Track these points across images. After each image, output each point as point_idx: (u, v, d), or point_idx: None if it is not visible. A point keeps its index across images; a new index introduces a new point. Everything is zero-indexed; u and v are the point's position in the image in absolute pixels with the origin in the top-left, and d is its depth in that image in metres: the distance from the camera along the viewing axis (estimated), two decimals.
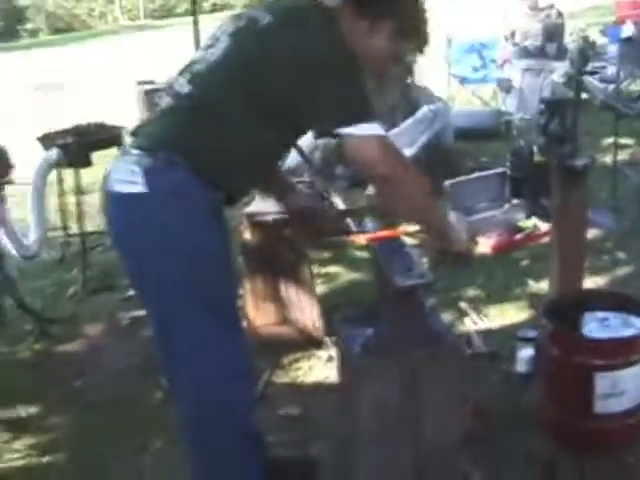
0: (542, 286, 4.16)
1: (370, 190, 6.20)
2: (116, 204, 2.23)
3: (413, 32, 2.39)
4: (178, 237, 2.16)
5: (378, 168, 2.14)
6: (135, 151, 2.20)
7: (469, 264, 2.38)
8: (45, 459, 3.22)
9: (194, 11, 7.30)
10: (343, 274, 4.83)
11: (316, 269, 4.71)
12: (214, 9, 37.27)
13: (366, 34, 2.30)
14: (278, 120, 2.20)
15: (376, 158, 2.12)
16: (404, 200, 2.22)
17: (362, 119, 2.12)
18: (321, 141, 6.40)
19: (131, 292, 4.30)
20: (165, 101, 2.28)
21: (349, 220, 4.03)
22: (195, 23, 6.90)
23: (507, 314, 4.12)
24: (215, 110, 2.19)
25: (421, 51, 2.43)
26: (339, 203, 4.69)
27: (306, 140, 6.15)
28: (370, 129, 2.12)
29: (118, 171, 2.21)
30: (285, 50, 2.14)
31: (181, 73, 2.31)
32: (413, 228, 2.50)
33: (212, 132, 2.19)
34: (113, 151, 4.65)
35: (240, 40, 2.23)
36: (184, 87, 2.24)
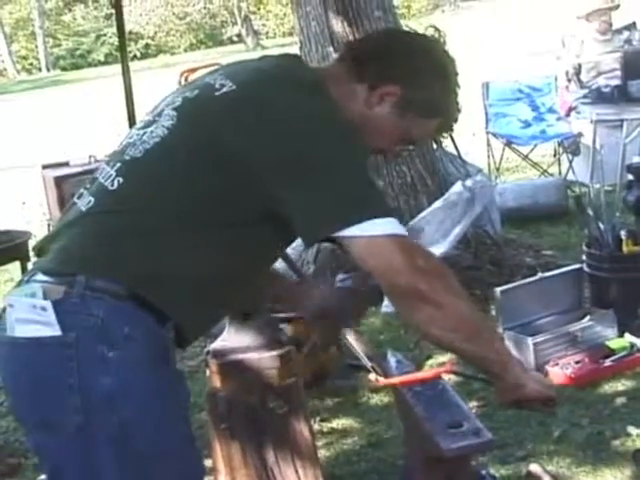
0: None
1: (386, 306, 6.26)
2: (16, 354, 2.19)
3: (432, 104, 2.39)
4: (107, 400, 2.11)
5: (400, 278, 2.15)
6: (42, 277, 2.17)
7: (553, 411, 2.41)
8: None
9: (123, 57, 7.00)
10: (357, 430, 4.80)
11: (317, 425, 4.70)
12: (146, 53, 38.00)
13: (364, 103, 2.35)
14: (252, 227, 2.22)
15: (396, 265, 2.14)
16: (442, 322, 2.20)
17: (371, 213, 2.14)
18: None
19: (43, 477, 4.26)
20: (84, 201, 2.27)
21: (364, 356, 4.05)
22: (125, 73, 6.81)
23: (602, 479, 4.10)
24: (156, 213, 2.19)
25: (447, 130, 2.48)
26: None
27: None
28: (384, 226, 2.15)
29: (18, 307, 2.16)
30: (254, 127, 2.17)
31: (109, 161, 2.32)
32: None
33: (152, 245, 2.18)
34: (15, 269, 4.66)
35: (191, 115, 2.27)
36: (112, 181, 2.24)
